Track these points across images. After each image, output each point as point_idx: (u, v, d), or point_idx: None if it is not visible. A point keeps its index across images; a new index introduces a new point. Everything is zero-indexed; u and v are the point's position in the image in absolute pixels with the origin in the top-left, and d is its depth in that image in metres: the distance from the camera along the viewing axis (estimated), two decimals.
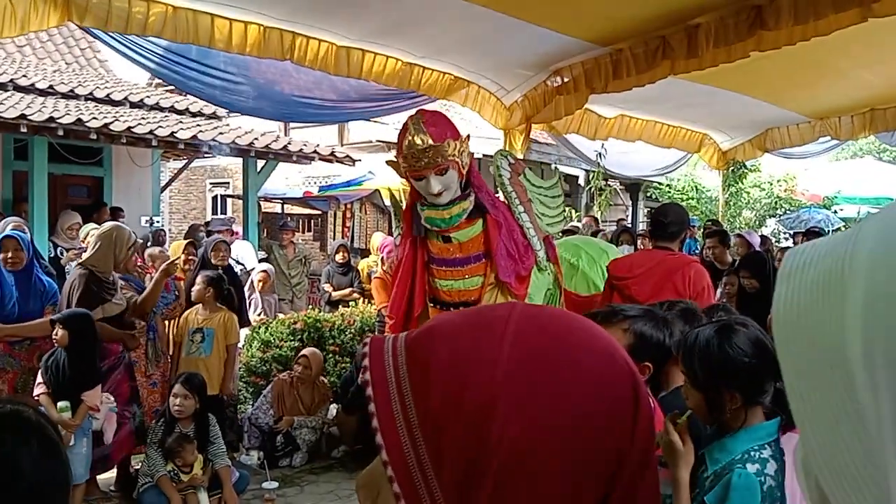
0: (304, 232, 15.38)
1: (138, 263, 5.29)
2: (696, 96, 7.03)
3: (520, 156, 7.78)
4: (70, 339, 4.27)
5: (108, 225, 5.02)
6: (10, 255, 4.51)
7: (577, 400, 0.60)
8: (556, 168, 4.35)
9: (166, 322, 5.37)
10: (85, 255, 4.81)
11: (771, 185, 16.25)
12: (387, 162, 3.60)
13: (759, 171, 15.38)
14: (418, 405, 0.62)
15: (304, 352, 5.77)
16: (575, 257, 4.25)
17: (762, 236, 9.48)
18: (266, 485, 4.85)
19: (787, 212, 16.33)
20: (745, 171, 11.60)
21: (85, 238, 6.60)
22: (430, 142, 3.22)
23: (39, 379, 4.34)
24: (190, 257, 6.01)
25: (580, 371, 0.62)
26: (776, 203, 16.36)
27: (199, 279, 5.43)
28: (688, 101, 7.34)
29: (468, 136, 3.51)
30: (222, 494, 4.54)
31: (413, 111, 3.53)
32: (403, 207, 3.70)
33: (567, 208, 13.39)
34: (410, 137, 3.25)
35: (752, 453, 1.76)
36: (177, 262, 5.22)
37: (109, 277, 4.74)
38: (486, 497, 0.58)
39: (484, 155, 9.54)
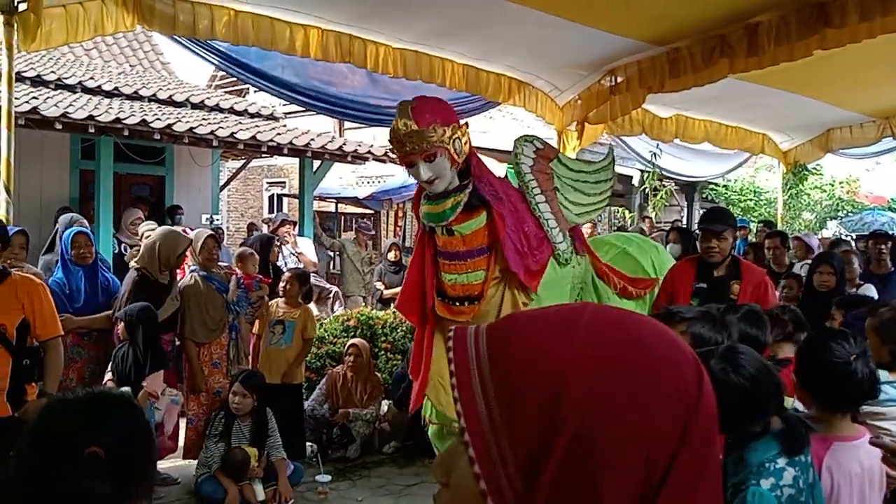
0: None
1: (218, 260, 5.36)
2: (754, 97, 6.90)
3: (572, 155, 7.76)
4: (128, 330, 4.44)
5: (157, 233, 5.14)
6: (81, 250, 4.71)
7: (644, 379, 0.64)
8: (610, 147, 4.16)
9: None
10: (136, 259, 4.94)
11: (832, 186, 15.81)
12: (391, 151, 3.52)
13: (821, 175, 14.97)
14: (496, 381, 0.66)
15: (351, 342, 5.87)
16: (625, 244, 4.14)
17: (838, 239, 9.18)
18: (319, 477, 4.95)
19: (849, 214, 15.86)
20: (806, 173, 11.33)
21: (141, 237, 6.82)
22: (414, 127, 3.13)
23: (109, 369, 4.53)
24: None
25: (648, 353, 0.66)
26: (838, 205, 15.91)
27: (286, 275, 5.63)
28: (746, 103, 7.21)
29: (466, 125, 3.35)
30: (277, 486, 4.65)
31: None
32: None
33: (621, 209, 13.25)
34: (395, 123, 3.19)
35: (767, 465, 1.72)
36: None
37: (163, 280, 4.89)
38: (554, 467, 0.62)
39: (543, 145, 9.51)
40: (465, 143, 3.30)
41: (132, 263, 6.73)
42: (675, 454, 0.63)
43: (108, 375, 4.52)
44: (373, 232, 10.30)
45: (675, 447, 0.63)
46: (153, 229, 6.78)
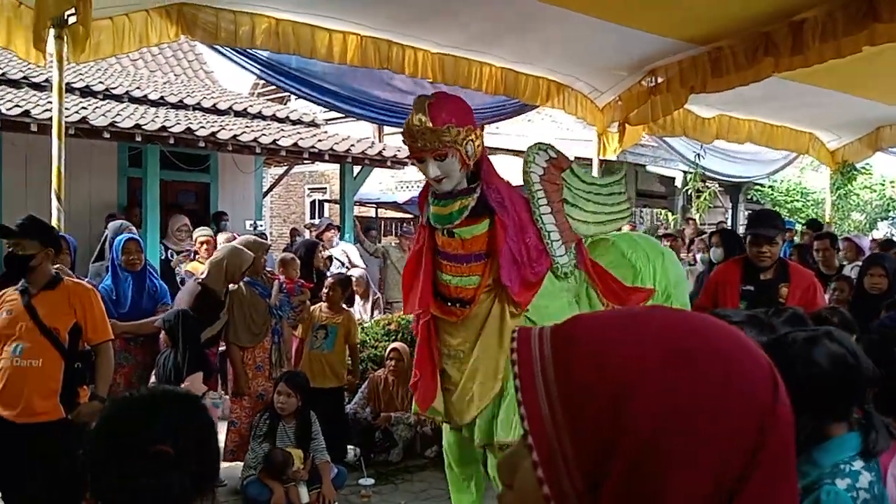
0: (395, 235, 15.69)
1: (266, 269, 5.45)
2: (800, 96, 6.76)
3: (614, 157, 7.69)
4: (168, 336, 4.53)
5: (223, 250, 5.21)
6: (131, 256, 4.80)
7: (714, 382, 0.62)
8: (622, 163, 3.98)
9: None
10: (202, 276, 5.01)
11: (883, 186, 15.40)
12: (403, 141, 3.48)
13: (871, 174, 14.59)
14: (560, 383, 0.65)
15: (392, 346, 5.89)
16: (631, 250, 3.86)
17: (888, 240, 8.92)
18: (363, 481, 4.98)
19: None
20: (855, 173, 11.07)
21: (195, 241, 6.97)
22: (429, 124, 3.09)
23: (154, 374, 4.63)
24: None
25: (718, 356, 0.64)
26: (889, 205, 15.49)
27: (328, 281, 5.70)
28: (791, 102, 7.06)
29: (481, 128, 3.32)
30: (321, 489, 4.68)
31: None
32: None
33: (664, 211, 13.08)
34: (410, 117, 3.16)
35: (843, 466, 1.65)
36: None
37: (221, 298, 4.98)
38: (618, 473, 0.61)
39: (576, 157, 9.46)
40: (478, 147, 3.27)
41: (181, 268, 6.91)
42: (749, 461, 0.61)
43: (153, 380, 4.61)
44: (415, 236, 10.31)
45: (749, 454, 0.61)
46: (208, 234, 6.94)
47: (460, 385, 3.34)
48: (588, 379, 0.63)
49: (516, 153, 10.46)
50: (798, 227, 11.62)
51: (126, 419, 1.34)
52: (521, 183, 3.52)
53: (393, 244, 9.67)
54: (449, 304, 3.35)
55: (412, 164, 3.40)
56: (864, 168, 12.67)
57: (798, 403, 1.63)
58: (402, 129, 3.28)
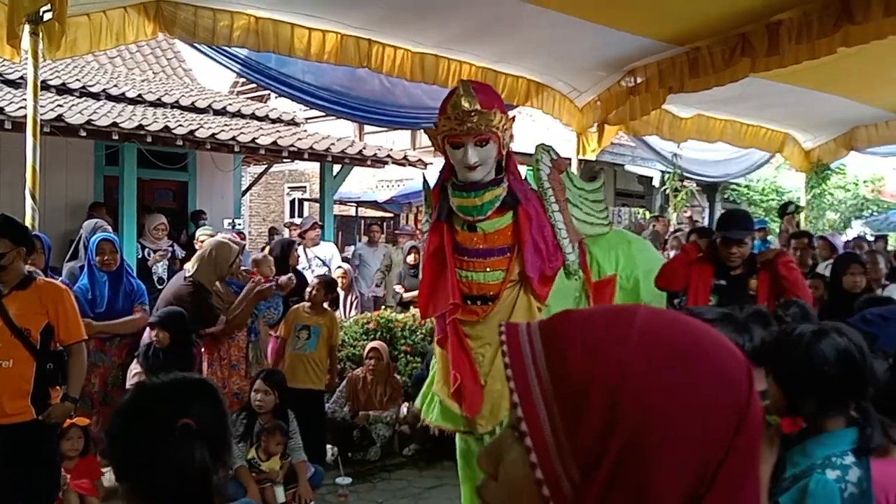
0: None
1: (242, 268, 5.41)
2: (777, 96, 6.83)
3: (593, 157, 7.74)
4: (170, 338, 4.49)
5: (208, 243, 5.18)
6: (106, 256, 4.76)
7: (701, 382, 0.65)
8: (601, 170, 4.02)
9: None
10: (191, 271, 4.94)
11: (856, 185, 15.63)
12: (424, 129, 3.45)
13: (844, 174, 14.80)
14: (553, 374, 0.67)
15: (371, 345, 5.87)
16: (591, 241, 3.69)
17: (858, 237, 9.05)
18: (339, 480, 4.96)
19: (874, 213, 15.66)
20: (829, 172, 11.23)
21: (197, 240, 6.99)
22: (478, 107, 3.08)
23: (135, 367, 4.57)
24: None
25: (705, 355, 0.67)
26: (862, 204, 15.72)
27: (314, 280, 5.66)
28: (768, 101, 7.14)
29: (513, 118, 3.31)
30: (297, 489, 4.66)
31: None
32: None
33: (643, 210, 13.17)
34: (457, 98, 3.12)
35: (834, 459, 1.69)
36: (271, 284, 5.16)
37: (213, 291, 4.93)
38: (608, 464, 0.63)
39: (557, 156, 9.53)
40: (510, 137, 3.27)
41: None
42: (725, 456, 0.64)
43: (137, 369, 4.55)
44: (413, 234, 10.14)
45: (725, 450, 0.64)
46: (209, 233, 6.90)
47: (485, 388, 3.22)
48: (581, 373, 0.65)
49: None
50: (772, 226, 11.74)
51: (153, 399, 1.48)
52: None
53: (394, 248, 9.39)
54: (468, 302, 3.25)
55: (446, 149, 3.22)
56: (838, 168, 12.85)
57: (801, 395, 1.66)
58: (441, 113, 3.18)
